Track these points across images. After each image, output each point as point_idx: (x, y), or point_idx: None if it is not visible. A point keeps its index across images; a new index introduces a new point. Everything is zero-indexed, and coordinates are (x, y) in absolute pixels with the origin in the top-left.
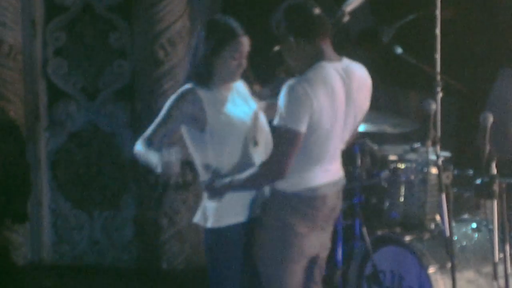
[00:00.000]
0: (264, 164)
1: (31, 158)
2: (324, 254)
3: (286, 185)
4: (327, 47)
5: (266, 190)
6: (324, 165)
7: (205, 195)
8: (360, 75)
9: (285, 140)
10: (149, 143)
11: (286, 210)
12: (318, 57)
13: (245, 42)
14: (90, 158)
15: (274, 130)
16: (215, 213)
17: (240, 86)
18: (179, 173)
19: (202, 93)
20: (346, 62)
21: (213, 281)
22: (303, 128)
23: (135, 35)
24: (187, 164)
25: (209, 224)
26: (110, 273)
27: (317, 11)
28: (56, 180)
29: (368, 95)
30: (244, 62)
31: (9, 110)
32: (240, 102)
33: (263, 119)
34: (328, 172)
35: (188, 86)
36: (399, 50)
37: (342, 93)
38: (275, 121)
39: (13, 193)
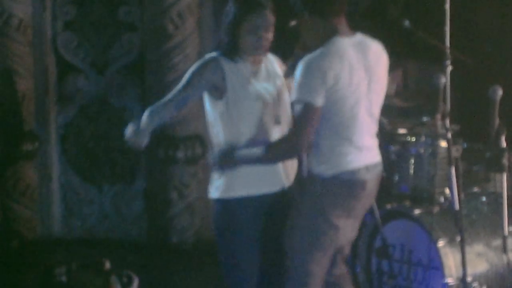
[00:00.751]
0: (282, 138)
1: (40, 132)
2: (351, 240)
3: (324, 167)
4: (342, 23)
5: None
6: (355, 142)
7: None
8: (376, 49)
9: (302, 114)
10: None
11: (325, 198)
12: (333, 32)
13: (269, 16)
14: (99, 132)
15: (292, 105)
16: (224, 183)
17: (271, 62)
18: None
19: (225, 63)
20: (361, 37)
21: (220, 256)
22: (319, 101)
23: (145, 9)
24: (196, 137)
25: (217, 194)
26: (120, 247)
27: None
28: (66, 154)
29: (386, 69)
30: (269, 36)
31: (19, 84)
32: (264, 78)
33: (287, 99)
34: (362, 152)
35: (212, 54)
36: (407, 23)
37: (361, 67)
38: (292, 96)
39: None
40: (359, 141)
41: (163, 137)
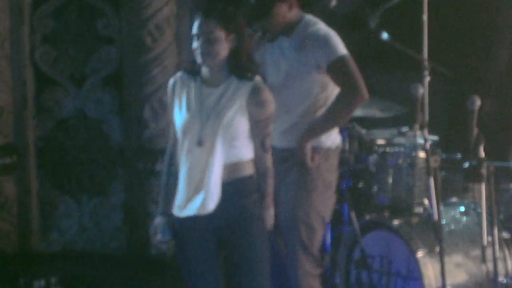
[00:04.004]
0: (344, 94)
1: (19, 145)
2: None
3: (331, 140)
4: None
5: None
6: None
7: None
8: None
9: (352, 64)
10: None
11: (329, 168)
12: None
13: (210, 26)
14: (78, 145)
15: (333, 65)
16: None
17: (236, 90)
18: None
19: (181, 82)
20: None
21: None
22: None
23: (122, 22)
24: None
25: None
26: (100, 259)
27: None
28: (44, 167)
29: None
30: (212, 49)
31: None
32: (212, 101)
33: (221, 120)
34: None
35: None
36: (385, 36)
37: None
38: (331, 56)
39: None
40: None
41: (142, 151)
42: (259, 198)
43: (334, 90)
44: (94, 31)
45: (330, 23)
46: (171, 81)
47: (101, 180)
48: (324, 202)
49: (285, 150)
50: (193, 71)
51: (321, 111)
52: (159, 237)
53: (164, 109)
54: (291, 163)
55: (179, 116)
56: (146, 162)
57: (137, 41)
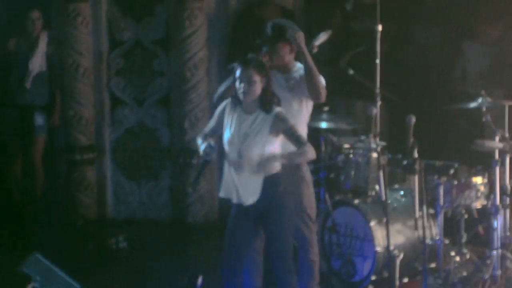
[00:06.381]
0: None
1: (98, 145)
2: None
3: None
4: None
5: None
6: None
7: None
8: None
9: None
10: (204, 136)
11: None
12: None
13: (251, 72)
14: (139, 145)
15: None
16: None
17: (265, 119)
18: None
19: (229, 105)
20: None
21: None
22: None
23: (171, 61)
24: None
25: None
26: (152, 225)
27: None
28: (116, 160)
29: None
30: (250, 89)
31: (83, 112)
32: (246, 125)
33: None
34: None
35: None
36: (350, 72)
37: None
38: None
39: None
40: None
41: (182, 150)
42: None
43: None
44: (151, 67)
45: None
46: (224, 104)
47: (155, 170)
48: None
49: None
50: (238, 100)
51: (305, 124)
52: (202, 147)
53: (198, 121)
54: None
55: (228, 131)
56: (185, 158)
57: (180, 75)
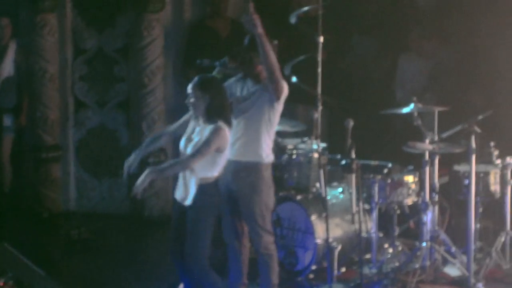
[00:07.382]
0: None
1: (64, 145)
2: None
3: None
4: None
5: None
6: None
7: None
8: None
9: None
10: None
11: (270, 176)
12: None
13: (192, 89)
14: (100, 145)
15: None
16: None
17: (203, 129)
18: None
19: (194, 116)
20: None
21: None
22: None
23: (130, 68)
24: (161, 150)
25: None
26: (113, 218)
27: None
28: (79, 158)
29: None
30: (193, 103)
31: (49, 114)
32: (195, 134)
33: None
34: None
35: None
36: (294, 79)
37: None
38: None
39: None
40: None
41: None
42: None
43: (276, 116)
44: (112, 74)
45: None
46: (189, 114)
47: (114, 167)
48: (270, 196)
49: (237, 162)
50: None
51: (266, 130)
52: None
53: (154, 124)
54: (245, 173)
55: (184, 136)
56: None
57: (139, 80)
